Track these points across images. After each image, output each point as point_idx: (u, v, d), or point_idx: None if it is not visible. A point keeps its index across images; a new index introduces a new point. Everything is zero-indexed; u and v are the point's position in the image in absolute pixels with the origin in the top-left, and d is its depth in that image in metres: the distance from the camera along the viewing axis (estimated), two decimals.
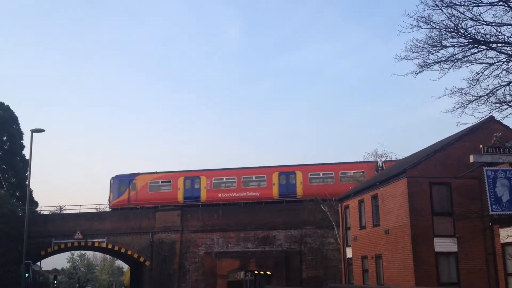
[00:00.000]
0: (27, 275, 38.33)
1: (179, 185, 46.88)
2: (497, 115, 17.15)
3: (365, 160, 45.15)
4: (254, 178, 46.50)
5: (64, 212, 49.21)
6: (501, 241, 22.23)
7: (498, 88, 16.16)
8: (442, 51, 16.41)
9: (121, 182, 47.81)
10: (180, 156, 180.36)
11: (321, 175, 45.58)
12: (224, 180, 47.06)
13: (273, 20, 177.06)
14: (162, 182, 47.55)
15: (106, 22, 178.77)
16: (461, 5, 15.57)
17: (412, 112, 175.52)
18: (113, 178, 48.45)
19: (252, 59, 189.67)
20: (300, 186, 45.29)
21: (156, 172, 48.68)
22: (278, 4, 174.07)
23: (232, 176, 46.85)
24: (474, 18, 15.67)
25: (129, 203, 47.14)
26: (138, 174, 48.17)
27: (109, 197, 48.21)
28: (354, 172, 44.80)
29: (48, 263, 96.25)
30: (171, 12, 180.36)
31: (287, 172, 45.98)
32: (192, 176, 47.14)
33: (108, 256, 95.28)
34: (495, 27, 15.69)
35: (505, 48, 15.93)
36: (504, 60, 15.98)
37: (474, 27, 15.81)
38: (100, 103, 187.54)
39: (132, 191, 47.21)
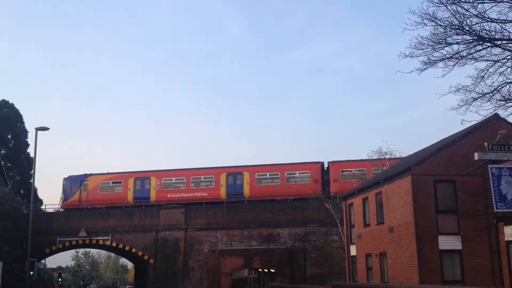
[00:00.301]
0: (31, 272, 38.52)
1: (129, 186, 47.24)
2: (502, 113, 17.16)
3: (311, 161, 46.08)
4: (202, 179, 46.75)
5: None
6: (506, 238, 22.20)
7: (503, 85, 16.15)
8: (446, 48, 16.42)
9: (73, 183, 48.15)
10: (180, 156, 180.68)
11: (268, 176, 45.77)
12: (174, 180, 47.30)
13: (275, 19, 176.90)
14: (113, 183, 47.93)
15: (107, 19, 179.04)
16: (466, 2, 15.57)
17: (414, 110, 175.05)
18: (65, 178, 48.80)
19: (253, 57, 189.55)
20: (247, 186, 45.52)
21: (107, 173, 49.08)
22: (281, 3, 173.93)
23: (181, 177, 47.17)
24: (479, 15, 15.63)
25: (80, 203, 47.46)
26: (90, 174, 48.59)
27: (61, 197, 48.52)
28: (299, 173, 45.15)
29: (53, 261, 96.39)
30: (172, 10, 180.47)
31: (234, 173, 46.16)
32: (142, 177, 47.52)
33: (113, 254, 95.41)
34: (500, 24, 15.67)
35: (510, 45, 15.89)
36: (509, 57, 15.95)
37: (479, 24, 15.80)
38: (100, 102, 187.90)
39: (83, 191, 47.57)
